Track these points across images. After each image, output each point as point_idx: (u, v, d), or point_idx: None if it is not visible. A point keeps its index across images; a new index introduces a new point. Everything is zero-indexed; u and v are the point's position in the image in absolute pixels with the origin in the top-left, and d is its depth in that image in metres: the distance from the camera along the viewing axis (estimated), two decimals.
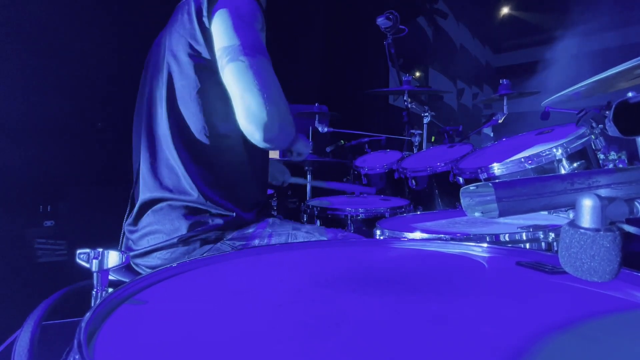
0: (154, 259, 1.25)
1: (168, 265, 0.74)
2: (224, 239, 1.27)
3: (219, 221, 1.26)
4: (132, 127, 1.45)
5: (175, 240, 1.22)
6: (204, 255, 1.23)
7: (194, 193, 1.24)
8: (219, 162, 1.30)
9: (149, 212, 1.27)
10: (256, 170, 1.42)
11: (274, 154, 3.04)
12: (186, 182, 1.25)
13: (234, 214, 1.29)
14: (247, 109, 1.12)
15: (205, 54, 1.24)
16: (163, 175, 1.27)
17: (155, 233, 1.25)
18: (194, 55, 1.24)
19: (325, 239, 1.32)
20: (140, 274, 1.29)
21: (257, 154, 1.40)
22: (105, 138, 2.63)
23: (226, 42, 1.18)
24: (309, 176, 2.76)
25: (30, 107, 2.34)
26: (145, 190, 1.29)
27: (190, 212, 1.24)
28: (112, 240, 1.43)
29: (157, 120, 1.30)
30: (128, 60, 2.61)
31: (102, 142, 2.62)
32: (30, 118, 2.35)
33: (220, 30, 1.20)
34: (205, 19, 1.22)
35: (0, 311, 2.03)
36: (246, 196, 1.36)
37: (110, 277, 0.71)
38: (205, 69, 1.24)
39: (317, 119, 3.22)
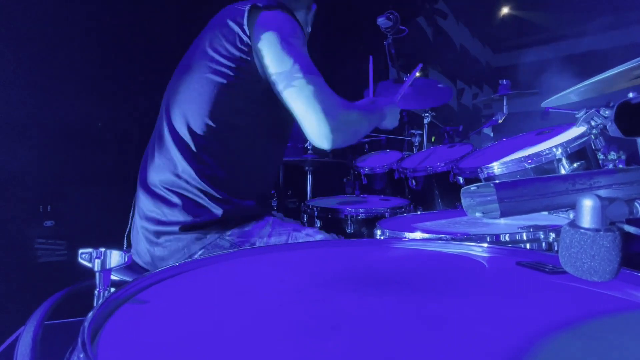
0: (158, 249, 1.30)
1: (169, 265, 0.75)
2: (223, 233, 1.29)
3: (218, 211, 1.28)
4: (131, 128, 1.48)
5: (176, 228, 1.25)
6: (203, 250, 1.25)
7: (197, 184, 1.27)
8: (224, 155, 1.33)
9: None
10: (261, 166, 1.45)
11: None
12: (189, 174, 1.28)
13: (234, 204, 1.32)
14: (311, 127, 1.25)
15: (237, 55, 1.30)
16: (168, 166, 1.31)
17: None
18: (226, 55, 1.31)
19: None
20: (145, 270, 1.31)
21: (266, 152, 1.45)
22: (106, 138, 2.63)
23: (279, 67, 1.28)
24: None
25: (30, 107, 2.35)
26: (153, 179, 1.33)
27: (192, 202, 1.28)
28: (112, 240, 1.43)
29: (171, 115, 1.35)
30: (128, 61, 2.62)
31: (102, 142, 2.62)
32: (31, 118, 2.35)
33: (270, 54, 1.28)
34: (245, 28, 1.30)
35: (0, 311, 2.03)
36: (250, 188, 1.39)
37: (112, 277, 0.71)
38: (233, 68, 1.30)
39: None
